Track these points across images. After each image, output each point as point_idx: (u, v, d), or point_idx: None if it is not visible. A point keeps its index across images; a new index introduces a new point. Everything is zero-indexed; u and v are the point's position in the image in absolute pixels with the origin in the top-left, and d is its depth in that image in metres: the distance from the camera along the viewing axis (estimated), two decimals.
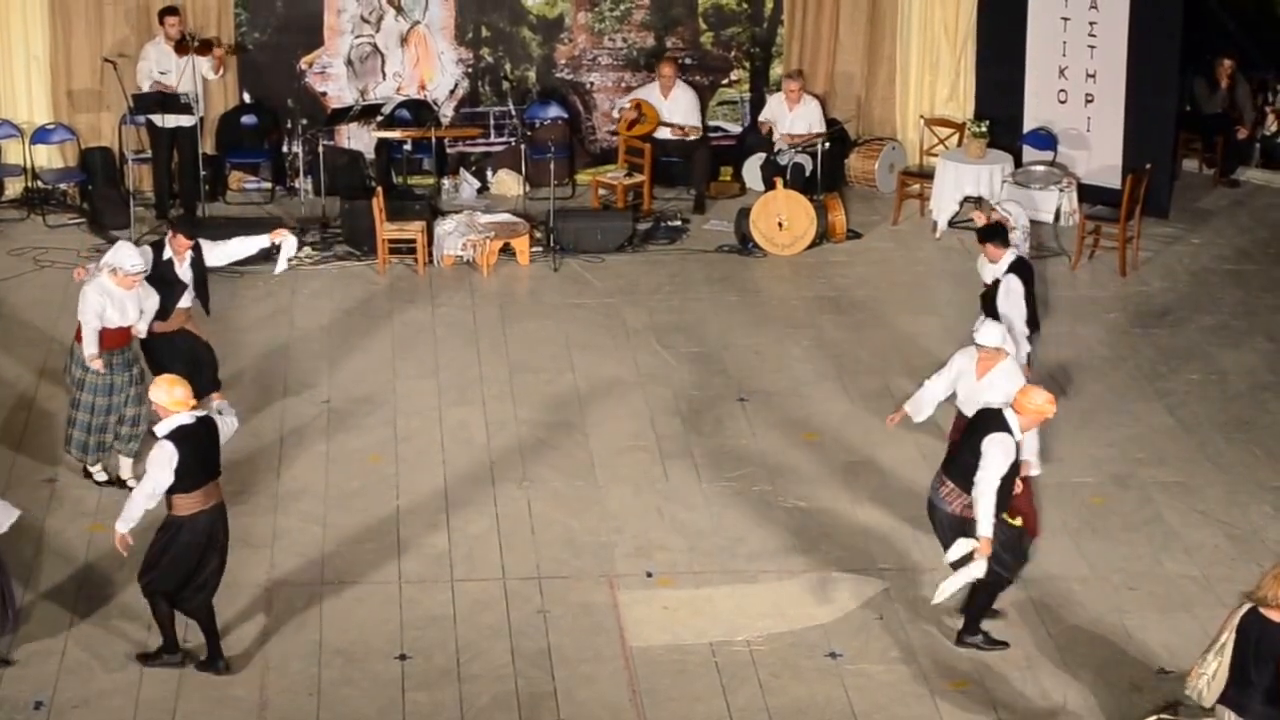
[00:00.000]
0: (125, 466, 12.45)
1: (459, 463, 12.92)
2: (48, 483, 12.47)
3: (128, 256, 11.98)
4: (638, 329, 15.18)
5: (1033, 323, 12.97)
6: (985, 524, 10.26)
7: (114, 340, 12.14)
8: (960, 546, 10.39)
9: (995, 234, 12.97)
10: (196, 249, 12.67)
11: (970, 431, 10.55)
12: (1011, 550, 10.64)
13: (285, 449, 13.06)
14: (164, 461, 10.05)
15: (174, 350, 12.57)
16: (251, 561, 11.64)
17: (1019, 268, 12.84)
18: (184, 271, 12.58)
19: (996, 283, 12.84)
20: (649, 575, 11.59)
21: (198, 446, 10.18)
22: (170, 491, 10.17)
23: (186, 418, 10.19)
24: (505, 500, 12.44)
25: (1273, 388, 14.24)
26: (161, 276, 12.43)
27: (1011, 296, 12.73)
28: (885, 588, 11.44)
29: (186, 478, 10.14)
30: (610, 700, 10.35)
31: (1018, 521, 10.68)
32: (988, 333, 11.45)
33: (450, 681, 10.49)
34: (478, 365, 14.46)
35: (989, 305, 12.80)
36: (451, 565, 11.67)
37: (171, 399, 10.18)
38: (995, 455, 10.28)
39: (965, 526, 10.41)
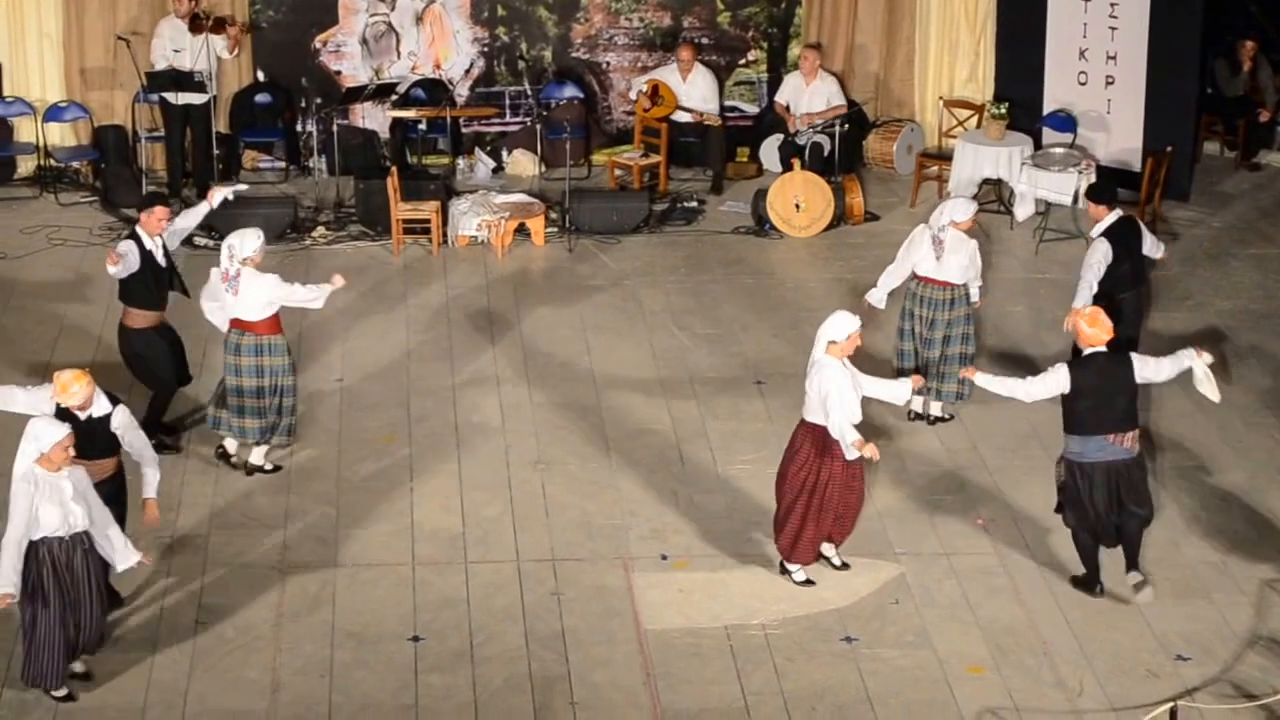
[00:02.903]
0: (257, 453, 12.52)
1: (473, 444, 12.87)
2: None
3: (253, 241, 12.02)
4: (654, 310, 15.12)
5: (1134, 279, 13.04)
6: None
7: (270, 327, 12.18)
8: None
9: (1097, 192, 13.04)
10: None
11: (1118, 373, 10.83)
12: None
13: (298, 429, 12.99)
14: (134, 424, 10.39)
15: (159, 342, 12.49)
16: (264, 543, 11.61)
17: (1114, 231, 12.86)
18: (160, 254, 12.38)
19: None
20: (664, 558, 11.54)
21: None
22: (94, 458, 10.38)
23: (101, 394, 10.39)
24: (519, 482, 12.38)
25: None
26: (151, 267, 12.31)
27: (1093, 256, 12.80)
28: (901, 572, 11.38)
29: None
30: (624, 683, 10.30)
31: None
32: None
33: (464, 664, 10.45)
34: (492, 346, 14.40)
35: None
36: (465, 547, 11.62)
37: (92, 386, 10.27)
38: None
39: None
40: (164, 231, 12.39)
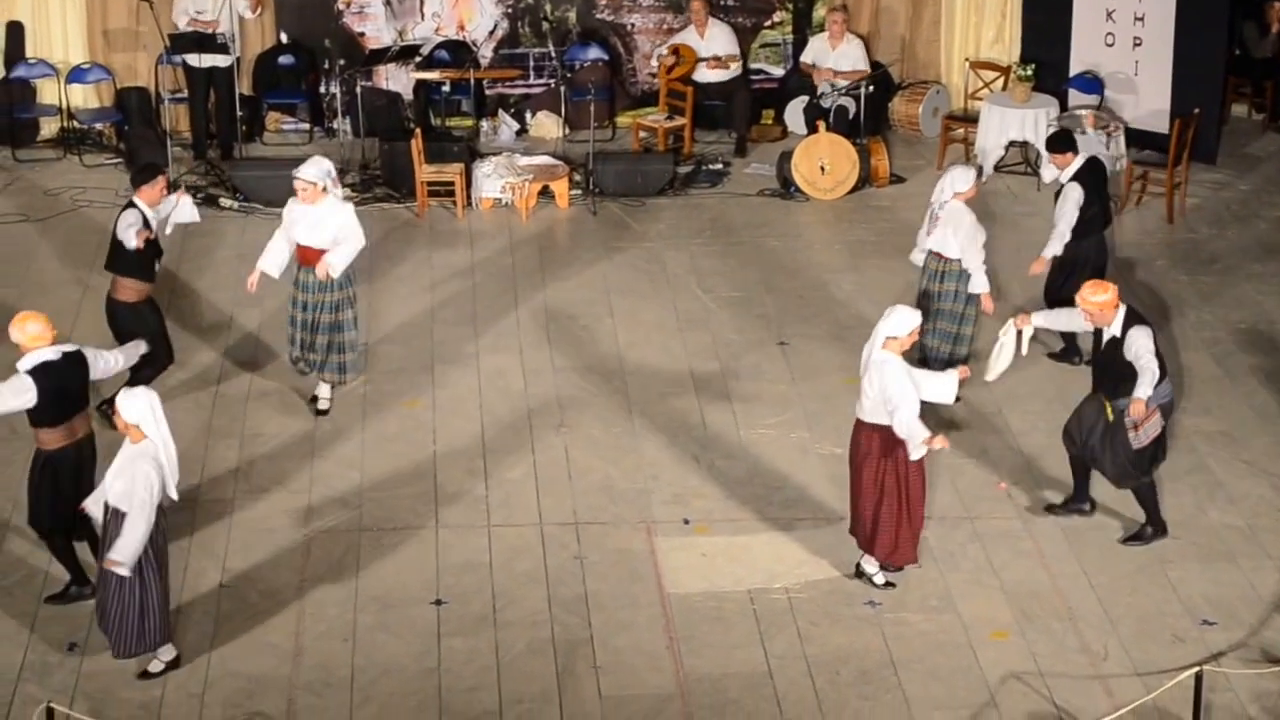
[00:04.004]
0: (322, 389, 12.79)
1: (496, 408, 12.85)
2: None
3: (303, 167, 12.36)
4: (678, 273, 15.07)
5: (1104, 220, 13.29)
6: None
7: (302, 257, 12.43)
8: None
9: (1059, 142, 13.23)
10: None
11: None
12: None
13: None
14: (14, 391, 10.06)
15: (151, 316, 12.42)
16: (289, 507, 11.60)
17: (1083, 174, 13.10)
18: (155, 226, 12.31)
19: (1058, 193, 13.14)
20: (686, 522, 11.52)
21: (61, 381, 10.18)
22: (35, 425, 10.23)
23: (50, 353, 10.19)
24: (543, 446, 12.36)
25: None
26: (155, 239, 12.27)
27: (1066, 204, 13.04)
28: (924, 536, 11.32)
29: (49, 412, 10.17)
30: (647, 647, 10.29)
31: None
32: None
33: (486, 627, 10.44)
34: (515, 309, 14.37)
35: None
36: (488, 511, 11.61)
37: (26, 335, 10.18)
38: None
39: None
40: (161, 202, 12.34)
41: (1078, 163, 13.15)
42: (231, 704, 9.81)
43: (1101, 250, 13.31)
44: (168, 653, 10.00)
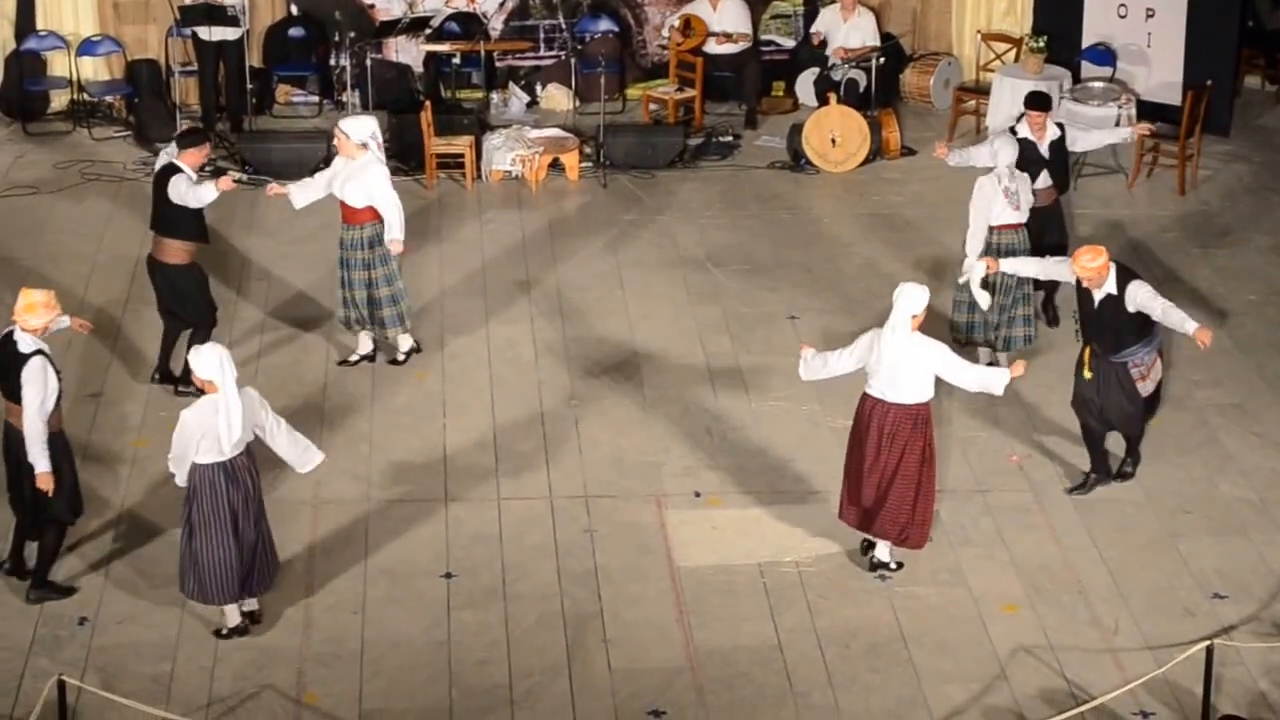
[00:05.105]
0: (402, 341, 13.06)
1: (506, 380, 12.84)
2: (92, 397, 12.45)
3: (349, 119, 12.77)
4: (688, 246, 15.04)
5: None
6: None
7: (341, 212, 12.79)
8: None
9: (1039, 100, 13.38)
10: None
11: None
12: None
13: (331, 364, 12.99)
14: None
15: (200, 275, 12.47)
16: (298, 479, 11.58)
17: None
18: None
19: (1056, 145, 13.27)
20: (697, 495, 11.51)
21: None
22: None
23: (11, 332, 10.16)
24: (553, 419, 12.35)
25: None
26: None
27: (1092, 132, 13.78)
28: (935, 509, 11.30)
29: None
30: (657, 621, 10.29)
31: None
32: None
33: (496, 600, 10.44)
34: (525, 282, 14.34)
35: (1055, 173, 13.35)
36: (498, 484, 11.60)
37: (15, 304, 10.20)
38: None
39: None
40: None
41: (1054, 123, 13.29)
42: (242, 676, 9.82)
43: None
44: (232, 617, 10.07)
